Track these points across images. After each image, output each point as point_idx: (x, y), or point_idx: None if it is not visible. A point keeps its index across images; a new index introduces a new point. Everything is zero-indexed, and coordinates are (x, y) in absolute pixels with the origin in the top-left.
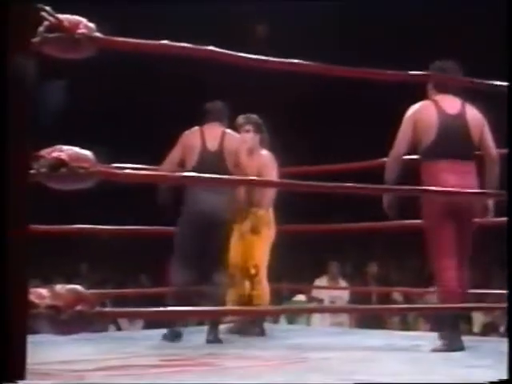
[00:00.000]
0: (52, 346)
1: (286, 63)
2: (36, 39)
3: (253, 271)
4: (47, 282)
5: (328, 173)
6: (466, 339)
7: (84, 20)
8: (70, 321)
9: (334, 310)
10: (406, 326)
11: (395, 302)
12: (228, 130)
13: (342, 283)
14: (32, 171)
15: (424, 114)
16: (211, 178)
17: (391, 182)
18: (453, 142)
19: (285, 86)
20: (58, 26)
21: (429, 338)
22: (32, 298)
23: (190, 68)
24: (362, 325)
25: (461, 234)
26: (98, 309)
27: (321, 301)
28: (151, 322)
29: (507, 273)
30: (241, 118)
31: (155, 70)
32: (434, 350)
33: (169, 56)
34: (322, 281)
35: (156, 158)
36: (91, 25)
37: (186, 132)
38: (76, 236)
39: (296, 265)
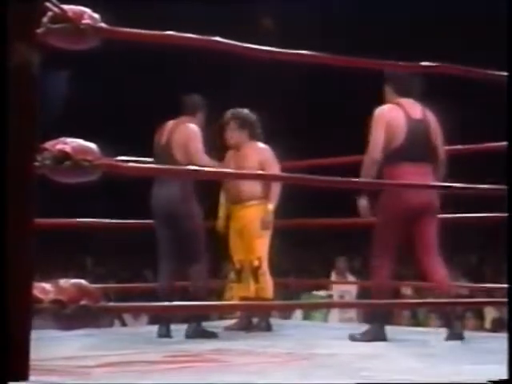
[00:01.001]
0: (56, 342)
1: (292, 54)
2: (40, 30)
3: (256, 263)
4: (51, 276)
5: (333, 166)
6: (476, 335)
7: (88, 10)
8: (75, 316)
9: (339, 306)
10: (416, 321)
11: (405, 297)
12: (187, 123)
13: (350, 278)
14: (36, 164)
15: (394, 117)
16: (217, 171)
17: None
18: (417, 145)
19: (286, 77)
20: (62, 17)
21: (439, 334)
22: (36, 292)
23: (196, 60)
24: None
25: (425, 233)
26: (102, 303)
27: (330, 296)
28: (156, 318)
29: (507, 271)
30: (227, 114)
31: (162, 61)
32: (353, 339)
33: (175, 47)
34: (333, 276)
35: None
36: (96, 15)
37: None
38: (80, 230)
39: (304, 260)
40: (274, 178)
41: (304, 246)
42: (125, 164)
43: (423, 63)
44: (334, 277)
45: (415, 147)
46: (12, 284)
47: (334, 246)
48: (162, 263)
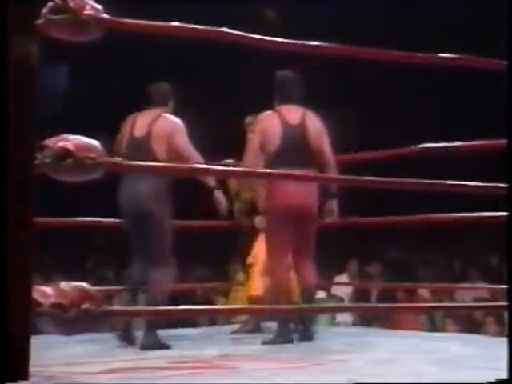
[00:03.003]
0: (56, 347)
1: (302, 45)
2: (40, 21)
3: (252, 260)
4: (51, 279)
5: (347, 163)
6: (495, 340)
7: (91, 1)
8: (76, 320)
9: (343, 310)
10: (433, 326)
11: (422, 300)
12: (165, 114)
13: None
14: (36, 162)
15: (268, 125)
16: (227, 169)
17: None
18: (294, 150)
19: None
20: (63, 7)
21: (456, 339)
22: (36, 296)
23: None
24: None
25: (302, 235)
26: (104, 307)
27: (341, 299)
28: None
29: (507, 272)
30: (249, 118)
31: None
32: (264, 343)
33: (180, 38)
34: (341, 278)
35: None
36: (98, 6)
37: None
38: (81, 230)
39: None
40: (283, 176)
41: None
42: (128, 162)
43: (441, 55)
44: (345, 278)
45: (292, 152)
46: (12, 287)
47: (348, 246)
48: (130, 267)
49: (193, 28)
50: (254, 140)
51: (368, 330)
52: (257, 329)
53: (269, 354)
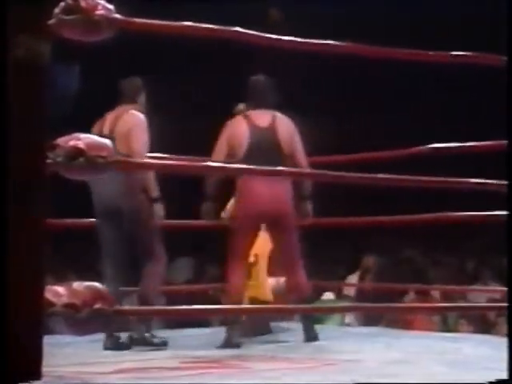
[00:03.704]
0: (69, 348)
1: (313, 44)
2: (52, 21)
3: (252, 259)
4: (64, 279)
5: (358, 162)
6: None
7: (102, 1)
8: (88, 320)
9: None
10: (446, 327)
11: (433, 300)
12: (129, 111)
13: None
14: (48, 161)
15: (236, 129)
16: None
17: (210, 194)
18: (263, 153)
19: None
20: (75, 8)
21: (469, 340)
22: (48, 296)
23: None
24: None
25: (280, 239)
26: (117, 307)
27: (352, 299)
28: (171, 322)
29: (507, 271)
30: (240, 106)
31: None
32: (219, 347)
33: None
34: (354, 277)
35: (181, 147)
36: (110, 6)
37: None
38: (94, 230)
39: (328, 260)
40: (292, 174)
41: (327, 245)
42: (138, 160)
43: (454, 53)
44: (358, 277)
45: (262, 155)
46: (23, 287)
47: (359, 245)
48: (105, 267)
49: (206, 27)
50: (220, 146)
51: (379, 330)
52: (255, 331)
53: (280, 354)
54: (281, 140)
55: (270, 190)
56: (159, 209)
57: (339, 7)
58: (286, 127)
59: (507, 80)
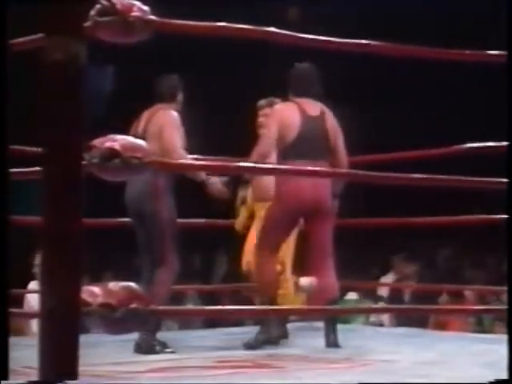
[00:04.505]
0: (104, 347)
1: (353, 44)
2: (88, 23)
3: (279, 268)
4: (100, 279)
5: (386, 162)
6: None
7: (138, 2)
8: (124, 319)
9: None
10: (481, 328)
11: (468, 302)
12: (162, 110)
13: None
14: (84, 162)
15: (287, 114)
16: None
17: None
18: (312, 142)
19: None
20: (110, 9)
21: (505, 342)
22: (84, 296)
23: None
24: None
25: (316, 232)
26: (152, 307)
27: (385, 299)
28: (206, 322)
29: (507, 271)
30: (261, 102)
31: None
32: (252, 347)
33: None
34: (387, 278)
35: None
36: (145, 7)
37: None
38: (129, 230)
39: (360, 261)
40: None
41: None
42: (174, 161)
43: (489, 52)
44: (391, 278)
45: (310, 144)
46: (61, 287)
47: (393, 246)
48: (141, 264)
49: (240, 28)
50: (269, 130)
51: (414, 331)
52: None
53: (314, 355)
54: (329, 131)
55: (310, 183)
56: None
57: (345, 8)
58: (332, 119)
59: (507, 83)
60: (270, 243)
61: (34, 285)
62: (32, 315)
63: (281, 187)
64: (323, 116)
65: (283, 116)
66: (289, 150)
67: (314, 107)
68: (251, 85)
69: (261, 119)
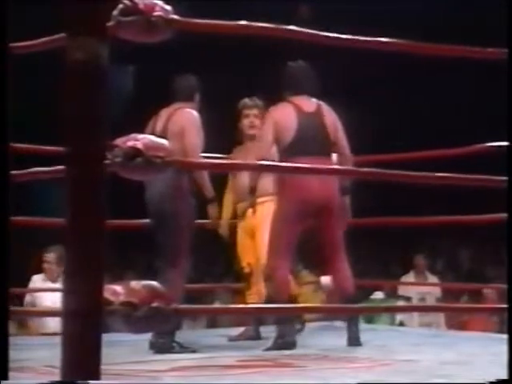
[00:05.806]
0: (126, 346)
1: (377, 42)
2: (111, 23)
3: (247, 270)
4: (122, 278)
5: (401, 161)
6: None
7: (160, 2)
8: (146, 318)
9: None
10: (504, 328)
11: (489, 301)
12: (182, 110)
13: (432, 278)
14: (106, 161)
15: (282, 114)
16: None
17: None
18: (311, 139)
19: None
20: (132, 9)
21: None
22: (106, 294)
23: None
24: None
25: (326, 232)
26: (174, 305)
27: (408, 299)
28: (215, 321)
29: (507, 272)
30: (242, 102)
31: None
32: (266, 349)
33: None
34: (409, 277)
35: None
36: (168, 7)
37: None
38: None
39: (381, 260)
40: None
41: (380, 245)
42: (197, 160)
43: (490, 49)
44: (412, 277)
45: (309, 141)
46: (83, 285)
47: (414, 245)
48: (159, 265)
49: (262, 26)
50: (266, 131)
51: (436, 331)
52: (256, 335)
53: (335, 354)
54: (327, 125)
55: (318, 180)
56: (213, 210)
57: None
58: (331, 114)
59: (507, 83)
60: (281, 245)
61: (37, 278)
62: (49, 314)
63: (286, 187)
64: (320, 111)
65: (278, 118)
66: (288, 148)
67: (310, 104)
68: (251, 85)
69: (252, 119)
